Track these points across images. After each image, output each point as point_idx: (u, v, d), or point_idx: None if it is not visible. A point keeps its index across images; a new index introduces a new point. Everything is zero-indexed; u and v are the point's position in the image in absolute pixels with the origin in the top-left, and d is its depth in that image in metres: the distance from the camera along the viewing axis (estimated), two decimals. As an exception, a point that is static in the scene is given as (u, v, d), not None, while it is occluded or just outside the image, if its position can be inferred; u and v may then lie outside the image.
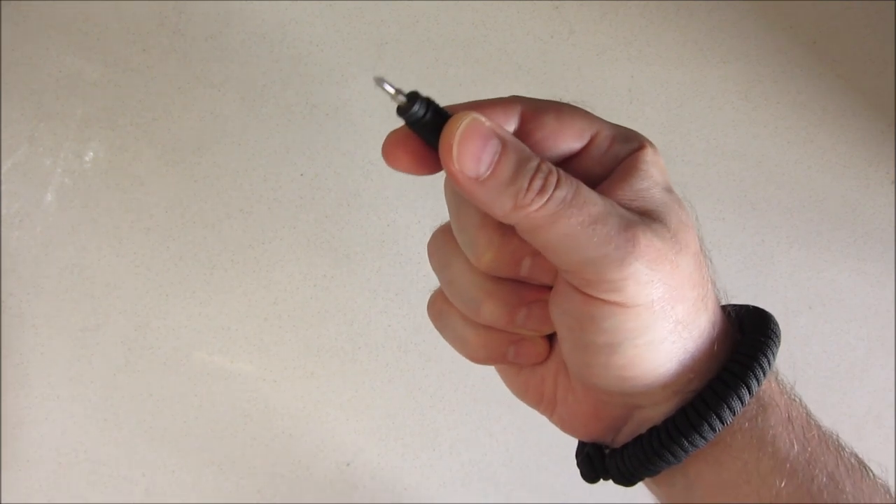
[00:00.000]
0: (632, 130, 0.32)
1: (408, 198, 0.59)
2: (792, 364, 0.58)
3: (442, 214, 0.32)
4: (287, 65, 0.58)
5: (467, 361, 0.34)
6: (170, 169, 0.58)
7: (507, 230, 0.30)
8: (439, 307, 0.35)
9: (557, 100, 0.32)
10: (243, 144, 0.59)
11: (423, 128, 0.29)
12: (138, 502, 0.62)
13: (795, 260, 0.62)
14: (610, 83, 0.59)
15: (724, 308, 0.33)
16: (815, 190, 0.61)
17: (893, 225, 0.61)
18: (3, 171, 0.57)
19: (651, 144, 0.32)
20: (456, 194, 0.31)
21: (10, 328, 0.60)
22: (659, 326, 0.29)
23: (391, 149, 0.30)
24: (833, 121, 0.61)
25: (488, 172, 0.28)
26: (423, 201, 0.60)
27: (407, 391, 0.62)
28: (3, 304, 0.59)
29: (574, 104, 0.32)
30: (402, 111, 0.29)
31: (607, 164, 0.31)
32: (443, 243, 0.33)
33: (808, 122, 0.60)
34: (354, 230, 0.60)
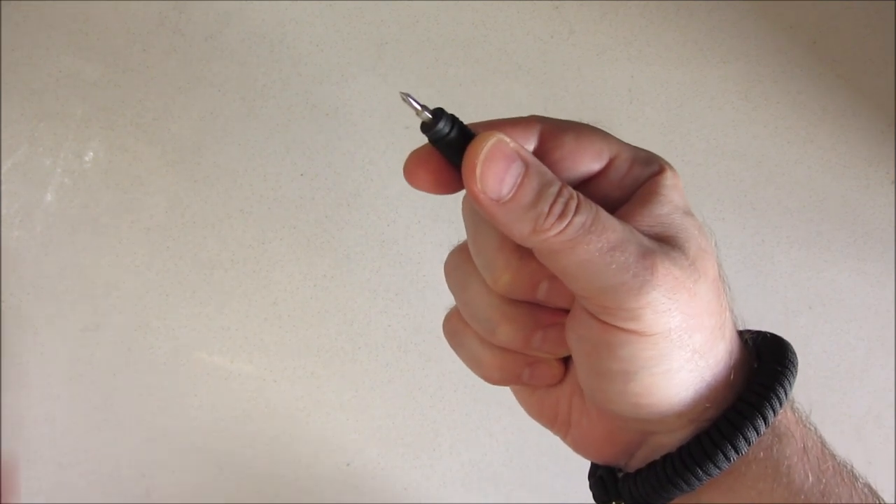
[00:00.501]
0: (651, 153, 0.32)
1: (408, 198, 0.59)
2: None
3: (441, 215, 0.32)
4: (287, 65, 0.58)
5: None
6: (170, 169, 0.58)
7: (525, 253, 0.30)
8: (454, 326, 0.35)
9: (577, 120, 0.32)
10: (243, 144, 0.59)
11: (447, 146, 0.29)
12: (138, 502, 0.62)
13: (795, 260, 0.62)
14: (610, 83, 0.59)
15: (741, 334, 0.33)
16: (815, 190, 0.61)
17: (893, 225, 0.61)
18: (3, 171, 0.57)
19: (671, 168, 0.32)
20: (475, 215, 0.31)
21: (10, 328, 0.60)
22: (676, 355, 0.29)
23: (413, 168, 0.30)
24: (833, 121, 0.61)
25: (510, 195, 0.28)
26: (424, 201, 0.60)
27: (407, 391, 0.62)
28: (3, 304, 0.59)
29: (593, 125, 0.32)
30: (426, 128, 0.29)
31: (626, 187, 0.31)
32: (459, 263, 0.33)
33: (808, 122, 0.60)
34: (354, 230, 0.60)
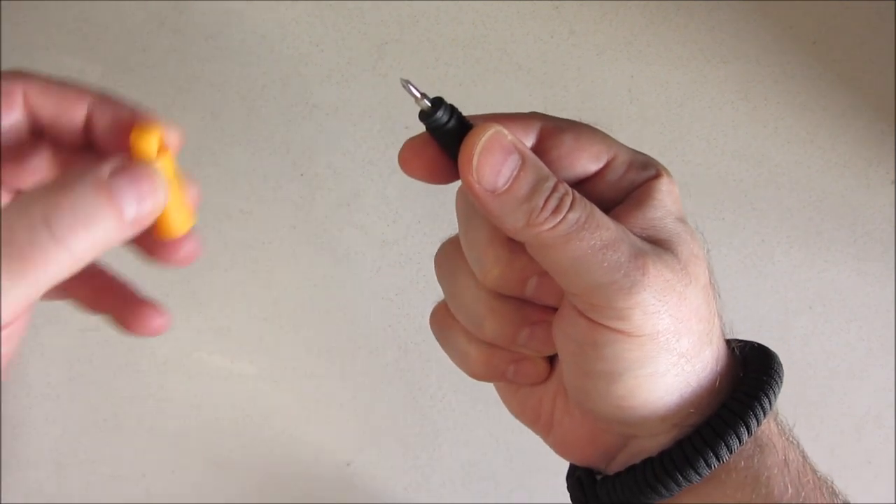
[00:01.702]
0: (648, 157, 0.32)
1: (408, 198, 0.59)
2: (792, 364, 0.58)
3: (441, 215, 0.32)
4: (287, 65, 0.58)
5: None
6: (170, 169, 0.58)
7: (515, 247, 0.31)
8: (442, 320, 0.35)
9: (577, 120, 0.32)
10: (243, 144, 0.59)
11: (444, 135, 0.29)
12: (138, 502, 0.62)
13: (795, 260, 0.62)
14: (610, 83, 0.59)
15: (728, 342, 0.33)
16: (815, 190, 0.61)
17: (893, 225, 0.61)
18: (3, 170, 0.57)
19: (667, 173, 0.32)
20: (468, 206, 0.32)
21: (10, 328, 0.60)
22: (662, 358, 0.29)
23: (409, 156, 0.30)
24: (833, 121, 0.61)
25: (506, 187, 0.28)
26: (424, 200, 0.60)
27: (407, 391, 0.62)
28: (3, 304, 0.59)
29: (593, 126, 0.32)
30: (424, 116, 0.29)
31: (622, 189, 0.31)
32: (450, 256, 0.33)
33: (808, 122, 0.60)
34: (354, 230, 0.60)
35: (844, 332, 0.63)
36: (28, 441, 0.61)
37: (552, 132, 0.31)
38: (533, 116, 0.31)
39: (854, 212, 0.61)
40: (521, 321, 0.32)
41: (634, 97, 0.60)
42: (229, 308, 0.60)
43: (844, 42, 0.60)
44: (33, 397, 0.60)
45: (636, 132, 0.60)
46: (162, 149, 0.28)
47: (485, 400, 0.62)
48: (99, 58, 0.56)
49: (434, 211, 0.59)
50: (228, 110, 0.58)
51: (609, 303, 0.28)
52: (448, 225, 0.62)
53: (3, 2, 0.55)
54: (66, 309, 0.60)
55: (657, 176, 0.31)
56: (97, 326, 0.61)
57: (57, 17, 0.56)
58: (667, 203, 0.31)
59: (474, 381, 0.35)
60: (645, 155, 0.32)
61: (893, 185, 0.61)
